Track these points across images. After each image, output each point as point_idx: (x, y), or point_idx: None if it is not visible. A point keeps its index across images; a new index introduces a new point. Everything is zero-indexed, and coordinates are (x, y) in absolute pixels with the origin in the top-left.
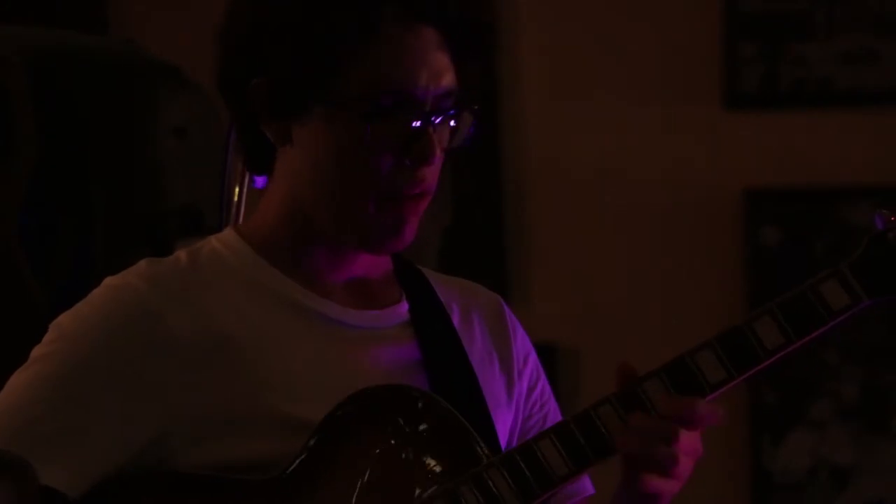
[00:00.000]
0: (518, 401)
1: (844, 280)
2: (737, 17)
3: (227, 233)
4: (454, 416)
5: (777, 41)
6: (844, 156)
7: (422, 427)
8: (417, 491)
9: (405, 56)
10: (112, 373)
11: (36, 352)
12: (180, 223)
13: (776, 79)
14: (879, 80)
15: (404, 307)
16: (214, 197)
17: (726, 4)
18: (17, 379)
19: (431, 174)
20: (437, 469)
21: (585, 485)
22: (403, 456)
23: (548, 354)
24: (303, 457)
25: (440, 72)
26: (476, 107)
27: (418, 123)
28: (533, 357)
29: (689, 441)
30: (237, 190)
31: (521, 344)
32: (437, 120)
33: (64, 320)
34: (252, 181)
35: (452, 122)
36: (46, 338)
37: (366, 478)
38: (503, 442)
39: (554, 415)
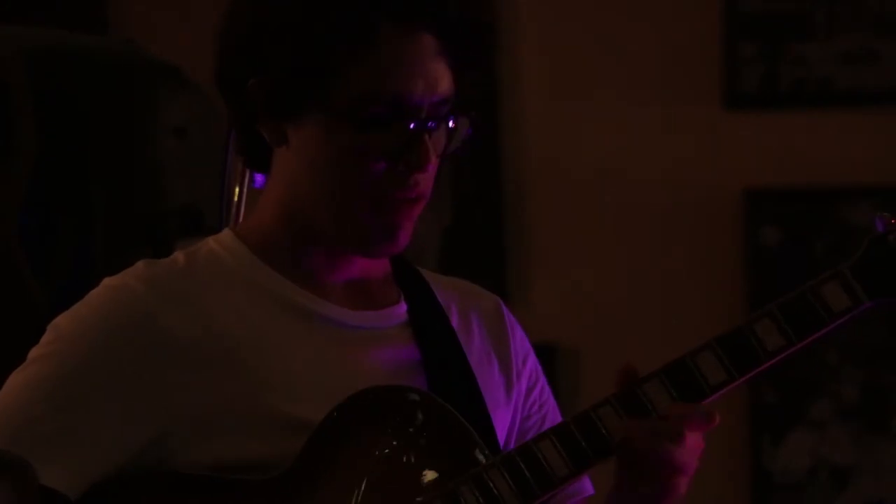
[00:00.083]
0: (517, 401)
1: (845, 282)
2: (737, 17)
3: (225, 234)
4: (453, 416)
5: (777, 41)
6: (844, 156)
7: (421, 427)
8: (417, 491)
9: (403, 63)
10: (111, 373)
11: (34, 352)
12: (180, 223)
13: (776, 79)
14: (879, 80)
15: (403, 308)
16: (214, 197)
17: (726, 4)
18: (15, 379)
19: (426, 180)
20: (437, 469)
21: (585, 485)
22: (403, 456)
23: (548, 354)
24: (302, 457)
25: (437, 79)
26: (473, 113)
27: (413, 130)
28: (532, 358)
29: (691, 439)
30: (237, 190)
31: (520, 344)
32: (433, 126)
33: (62, 321)
34: (252, 181)
35: (451, 123)
36: (44, 339)
37: (365, 478)
38: (502, 442)
39: (553, 415)
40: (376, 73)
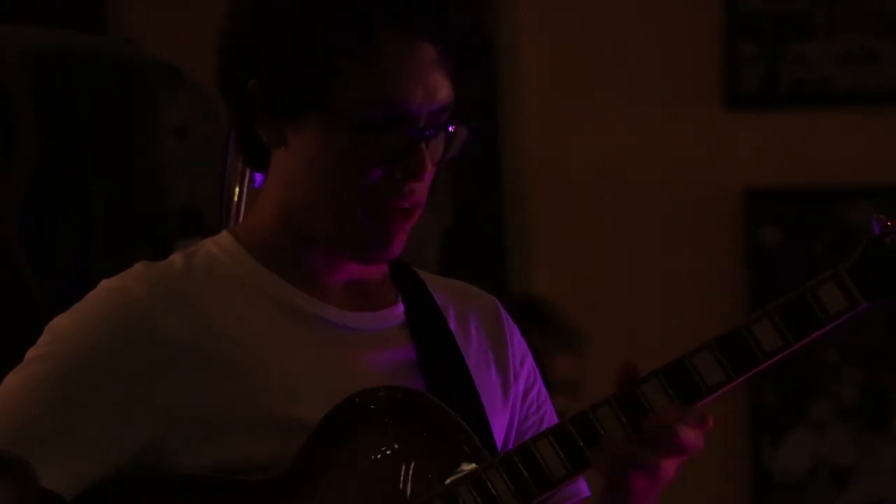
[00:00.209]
0: (514, 402)
1: (842, 283)
2: (737, 17)
3: (223, 235)
4: (451, 417)
5: (777, 41)
6: (844, 156)
7: (419, 428)
8: (416, 491)
9: (402, 72)
10: (110, 374)
11: (31, 353)
12: (180, 223)
13: (776, 79)
14: (879, 80)
15: (400, 309)
16: (214, 197)
17: (726, 4)
18: (13, 379)
19: (421, 189)
20: (435, 470)
21: (581, 487)
22: (402, 457)
23: None
24: (301, 458)
25: (436, 88)
26: (472, 121)
27: (411, 138)
28: (529, 359)
29: (690, 436)
30: (237, 190)
31: (518, 346)
32: (431, 134)
33: (60, 322)
34: (252, 181)
35: (451, 129)
36: (42, 339)
37: (364, 478)
38: (500, 443)
39: (551, 416)
40: (376, 77)
